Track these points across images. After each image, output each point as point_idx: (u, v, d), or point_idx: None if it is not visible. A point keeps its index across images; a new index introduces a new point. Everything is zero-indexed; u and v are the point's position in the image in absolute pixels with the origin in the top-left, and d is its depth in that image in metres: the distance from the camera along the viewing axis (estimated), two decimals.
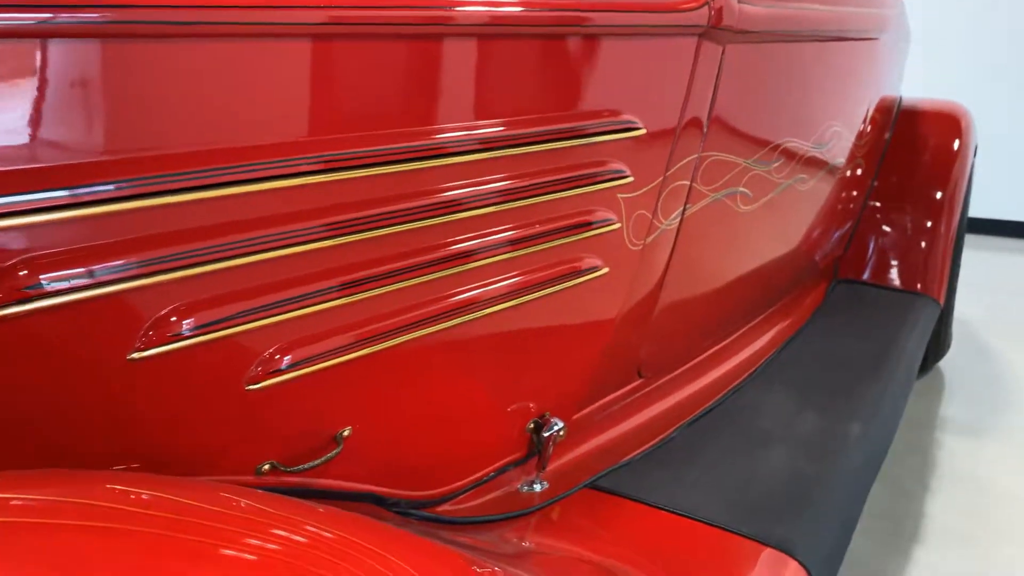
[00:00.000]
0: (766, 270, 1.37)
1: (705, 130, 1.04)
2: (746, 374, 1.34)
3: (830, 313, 1.71)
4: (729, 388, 1.29)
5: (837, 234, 1.81)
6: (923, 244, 1.92)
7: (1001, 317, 2.70)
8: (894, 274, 1.91)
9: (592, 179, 0.90)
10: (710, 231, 1.14)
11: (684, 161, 1.02)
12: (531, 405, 0.96)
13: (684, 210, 1.07)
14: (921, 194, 1.96)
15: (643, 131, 0.93)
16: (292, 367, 0.65)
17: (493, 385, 0.91)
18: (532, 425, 0.96)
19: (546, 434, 0.95)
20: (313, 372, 0.67)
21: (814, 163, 1.38)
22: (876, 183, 1.98)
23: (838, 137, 1.46)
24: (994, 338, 2.48)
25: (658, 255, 1.06)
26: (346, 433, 0.72)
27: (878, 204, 1.98)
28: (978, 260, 3.44)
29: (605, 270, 0.95)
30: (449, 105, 0.72)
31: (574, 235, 0.90)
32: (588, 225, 0.91)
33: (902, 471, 1.67)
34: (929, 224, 1.94)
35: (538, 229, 0.87)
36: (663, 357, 1.18)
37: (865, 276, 1.94)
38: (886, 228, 1.97)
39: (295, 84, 0.62)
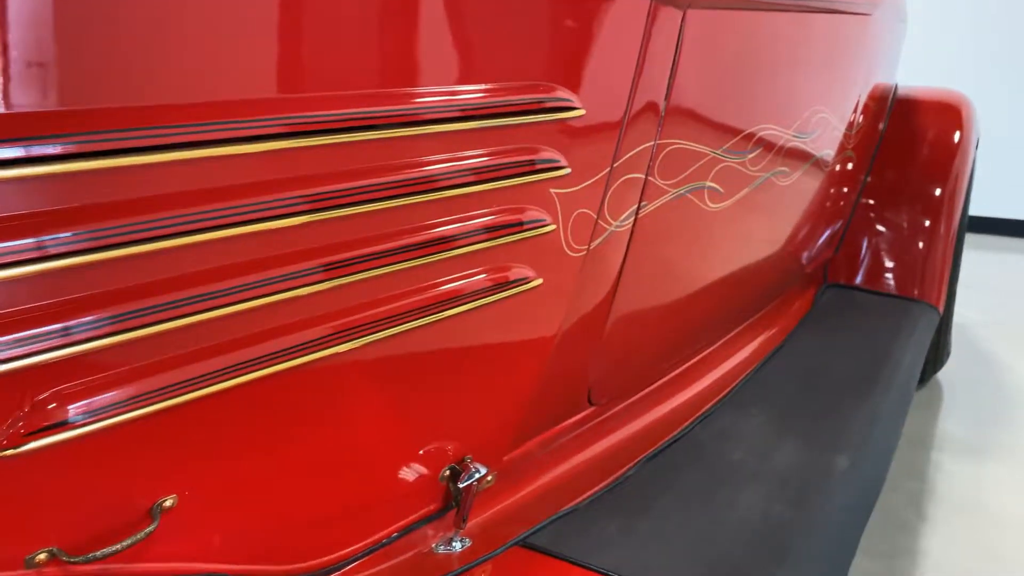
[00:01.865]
0: (742, 277, 1.20)
1: (662, 113, 0.87)
2: (718, 397, 1.17)
3: (818, 322, 1.54)
4: (697, 415, 1.12)
5: (826, 234, 1.64)
6: (921, 245, 1.75)
7: (1002, 321, 2.53)
8: (889, 278, 1.75)
9: (518, 170, 0.72)
10: (672, 233, 0.97)
11: (636, 150, 0.85)
12: (447, 448, 0.79)
13: (638, 209, 0.89)
14: (919, 190, 1.79)
15: (582, 112, 0.76)
16: (68, 424, 0.47)
17: (394, 425, 0.74)
18: (447, 472, 0.79)
19: (463, 484, 0.77)
20: (107, 427, 0.50)
21: (797, 154, 1.20)
22: (869, 178, 1.81)
23: (825, 125, 1.29)
24: (995, 344, 2.32)
25: (607, 262, 0.88)
26: (167, 503, 0.55)
27: (871, 201, 1.81)
28: (976, 260, 3.28)
29: (538, 281, 0.78)
30: (299, 68, 0.55)
31: (496, 239, 0.73)
32: (514, 227, 0.74)
33: (897, 499, 1.50)
34: (927, 223, 1.77)
35: (448, 231, 0.70)
36: (617, 381, 1.01)
37: (857, 280, 1.77)
38: (880, 228, 1.80)
39: None
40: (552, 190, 0.76)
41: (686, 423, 1.10)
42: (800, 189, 1.29)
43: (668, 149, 0.90)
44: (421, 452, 0.77)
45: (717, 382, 1.19)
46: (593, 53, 0.76)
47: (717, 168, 0.99)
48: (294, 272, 0.59)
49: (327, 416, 0.66)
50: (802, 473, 1.01)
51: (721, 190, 1.01)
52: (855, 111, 1.47)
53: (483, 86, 0.68)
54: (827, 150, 1.35)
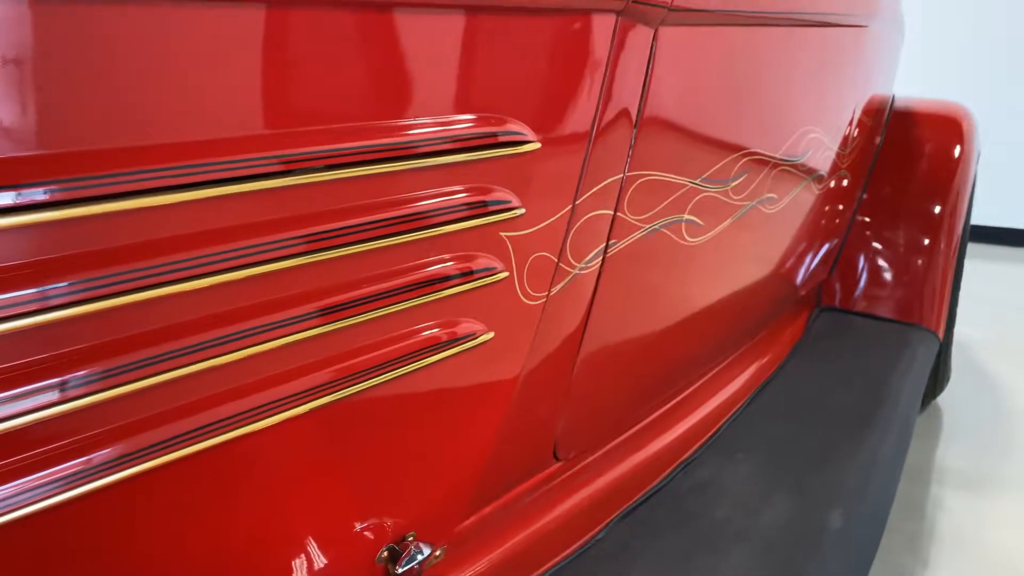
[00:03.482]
0: (726, 311, 1.11)
1: (632, 142, 0.78)
2: (700, 441, 1.08)
3: (810, 351, 1.45)
4: (677, 462, 1.03)
5: (819, 256, 1.55)
6: (919, 265, 1.66)
7: (1004, 338, 2.44)
8: (885, 301, 1.66)
9: (462, 214, 0.63)
10: (645, 272, 0.88)
11: (602, 184, 0.76)
12: (386, 524, 0.70)
13: (606, 248, 0.80)
14: (917, 208, 1.70)
15: (536, 145, 0.67)
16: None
17: (323, 500, 0.65)
18: (385, 554, 0.69)
19: (402, 569, 0.68)
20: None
21: (786, 179, 1.11)
22: (865, 195, 1.72)
23: (816, 146, 1.20)
24: (997, 363, 2.23)
25: (571, 307, 0.79)
26: None
27: (867, 219, 1.72)
28: (976, 272, 3.19)
29: (488, 336, 0.69)
30: (203, 108, 0.46)
31: (438, 291, 0.64)
32: (459, 277, 0.65)
33: (894, 541, 1.41)
34: (926, 242, 1.68)
35: (382, 287, 0.61)
36: (586, 432, 0.91)
37: (852, 303, 1.68)
38: (877, 246, 1.71)
39: None
40: (504, 234, 0.67)
41: (664, 473, 1.01)
42: (789, 215, 1.20)
43: (639, 181, 0.81)
44: (355, 530, 0.68)
45: (699, 424, 1.10)
46: (548, 79, 0.67)
47: (696, 199, 0.90)
48: (194, 345, 0.50)
49: (243, 491, 0.57)
50: (791, 534, 0.92)
51: (700, 223, 0.92)
52: (850, 127, 1.38)
53: (420, 120, 0.59)
54: (819, 171, 1.26)
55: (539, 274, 0.72)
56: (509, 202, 0.66)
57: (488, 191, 0.65)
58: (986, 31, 3.78)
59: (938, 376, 1.81)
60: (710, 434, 1.10)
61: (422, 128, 0.59)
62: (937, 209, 1.68)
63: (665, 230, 0.87)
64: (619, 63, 0.73)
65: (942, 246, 1.67)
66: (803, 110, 1.11)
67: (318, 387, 0.59)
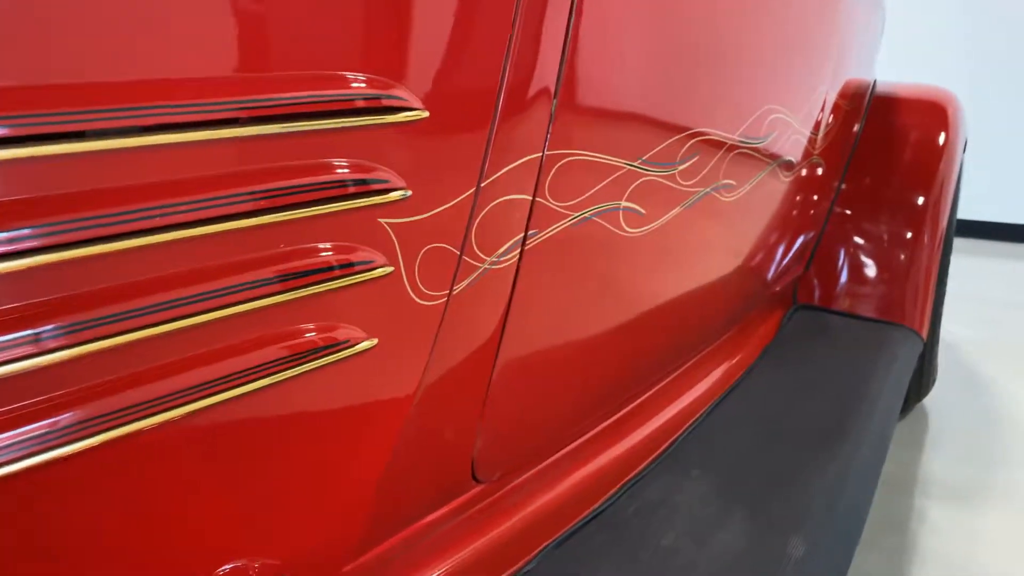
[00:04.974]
0: (679, 311, 1.00)
1: (552, 114, 0.67)
2: (650, 457, 0.97)
3: (782, 353, 1.34)
4: (623, 481, 0.92)
5: (792, 250, 1.44)
6: (901, 261, 1.56)
7: (994, 337, 2.34)
8: (866, 299, 1.55)
9: (325, 193, 0.52)
10: (575, 266, 0.77)
11: (515, 164, 0.65)
12: (252, 566, 0.58)
13: (525, 239, 0.69)
14: (899, 199, 1.60)
15: (423, 114, 0.56)
16: None
17: (178, 536, 0.53)
18: None
19: None
20: None
21: (746, 163, 1.00)
22: (844, 186, 1.61)
23: (782, 128, 1.08)
24: (986, 364, 2.12)
25: (483, 307, 0.68)
26: None
27: (847, 212, 1.61)
28: (965, 267, 3.09)
29: (371, 342, 0.58)
30: None
31: (296, 290, 0.53)
32: (325, 272, 0.54)
33: (874, 559, 1.30)
34: (909, 235, 1.58)
35: (223, 282, 0.50)
36: (511, 450, 0.80)
37: (830, 301, 1.57)
38: (857, 240, 1.61)
39: None
40: (384, 220, 0.56)
41: (608, 494, 0.90)
42: (753, 204, 1.09)
43: (563, 162, 0.70)
44: (214, 574, 0.57)
45: (651, 437, 0.99)
46: (434, 33, 0.56)
47: (635, 184, 0.79)
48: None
49: (79, 531, 0.46)
50: (747, 564, 0.81)
51: (642, 211, 0.81)
52: (822, 110, 1.27)
53: (288, 77, 0.48)
54: (786, 157, 1.15)
55: (436, 269, 0.61)
56: (387, 181, 0.55)
57: (359, 168, 0.54)
58: (979, 10, 3.68)
59: (923, 378, 1.71)
60: (663, 448, 0.99)
61: (269, 87, 0.48)
62: (920, 200, 1.58)
63: (598, 219, 0.76)
64: (530, 16, 0.62)
65: (926, 239, 1.56)
66: (765, 86, 1.00)
67: (149, 403, 0.48)
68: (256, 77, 0.47)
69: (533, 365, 0.77)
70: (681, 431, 1.03)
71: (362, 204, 0.54)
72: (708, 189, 0.91)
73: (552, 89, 0.66)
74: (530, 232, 0.69)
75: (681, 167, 0.85)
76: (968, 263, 3.27)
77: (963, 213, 3.53)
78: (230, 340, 0.51)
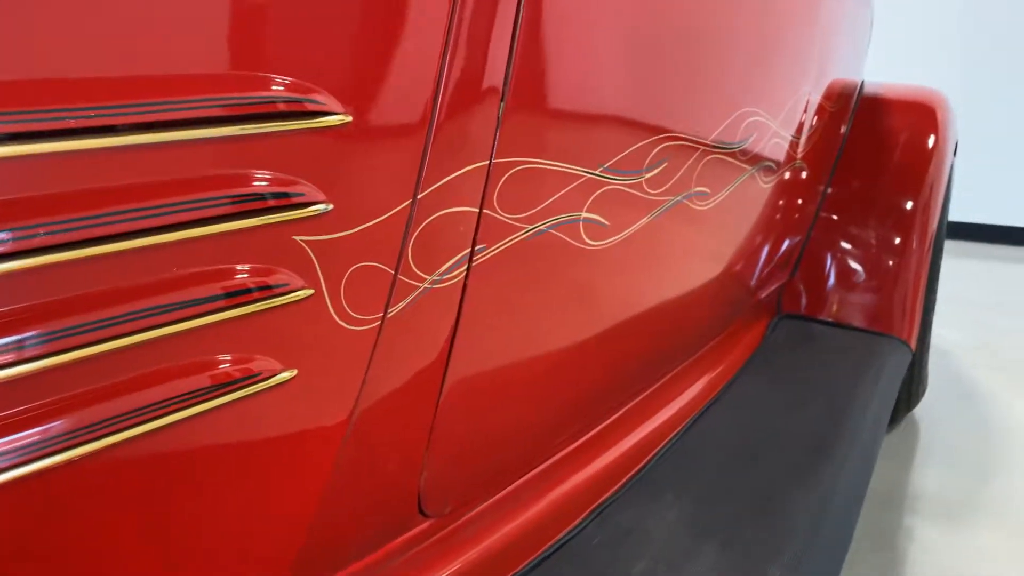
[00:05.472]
0: (649, 326, 0.94)
1: (500, 117, 0.61)
2: (621, 481, 0.92)
3: (765, 366, 1.29)
4: (590, 509, 0.86)
5: (775, 258, 1.39)
6: (890, 268, 1.50)
7: (986, 342, 2.29)
8: (853, 308, 1.50)
9: (232, 208, 0.46)
10: (531, 283, 0.71)
11: (458, 173, 0.59)
12: None
13: (472, 255, 0.63)
14: (888, 204, 1.54)
15: (345, 119, 0.50)
16: None
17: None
18: None
19: None
20: None
21: (721, 169, 0.95)
22: (830, 190, 1.56)
23: (761, 132, 1.03)
24: (978, 370, 2.07)
25: (425, 330, 0.62)
26: None
27: (834, 217, 1.56)
28: (956, 270, 3.04)
29: (289, 374, 0.52)
30: None
31: (198, 318, 0.47)
32: (227, 299, 0.48)
33: None
34: (898, 241, 1.52)
35: (116, 310, 0.44)
36: (462, 481, 0.75)
37: (817, 310, 1.52)
38: (844, 246, 1.55)
39: None
40: (300, 238, 0.50)
41: (574, 522, 0.84)
42: (730, 211, 1.03)
43: (514, 171, 0.64)
44: None
45: (622, 459, 0.93)
46: (358, 26, 0.50)
47: (597, 193, 0.73)
48: None
49: None
50: None
51: (606, 222, 0.75)
52: (804, 112, 1.21)
53: (193, 80, 0.42)
54: (766, 162, 1.09)
55: (366, 290, 0.55)
56: (302, 195, 0.49)
57: (268, 180, 0.48)
58: (973, 10, 3.64)
59: (912, 388, 1.66)
60: (635, 471, 0.93)
61: (151, 90, 0.42)
62: (910, 205, 1.52)
63: (556, 232, 0.70)
64: (471, 7, 0.56)
65: (915, 245, 1.51)
66: (741, 87, 0.94)
67: (40, 443, 0.42)
68: (138, 78, 0.41)
69: (486, 389, 0.71)
70: (655, 451, 0.97)
71: (273, 220, 0.48)
72: (679, 197, 0.86)
73: (499, 89, 0.60)
74: (477, 247, 0.64)
75: (648, 175, 0.79)
76: (958, 265, 3.22)
77: (953, 215, 3.48)
78: (126, 374, 0.45)
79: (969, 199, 3.51)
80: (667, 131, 0.79)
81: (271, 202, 0.48)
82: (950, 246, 3.23)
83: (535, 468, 0.83)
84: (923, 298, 1.50)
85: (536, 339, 0.74)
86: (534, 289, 0.71)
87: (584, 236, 0.73)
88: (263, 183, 0.48)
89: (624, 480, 0.92)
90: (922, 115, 1.58)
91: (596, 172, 0.72)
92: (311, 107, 0.48)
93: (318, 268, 0.52)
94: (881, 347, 1.39)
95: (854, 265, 1.52)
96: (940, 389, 1.91)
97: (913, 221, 1.52)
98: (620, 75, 0.72)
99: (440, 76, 0.55)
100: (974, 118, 3.32)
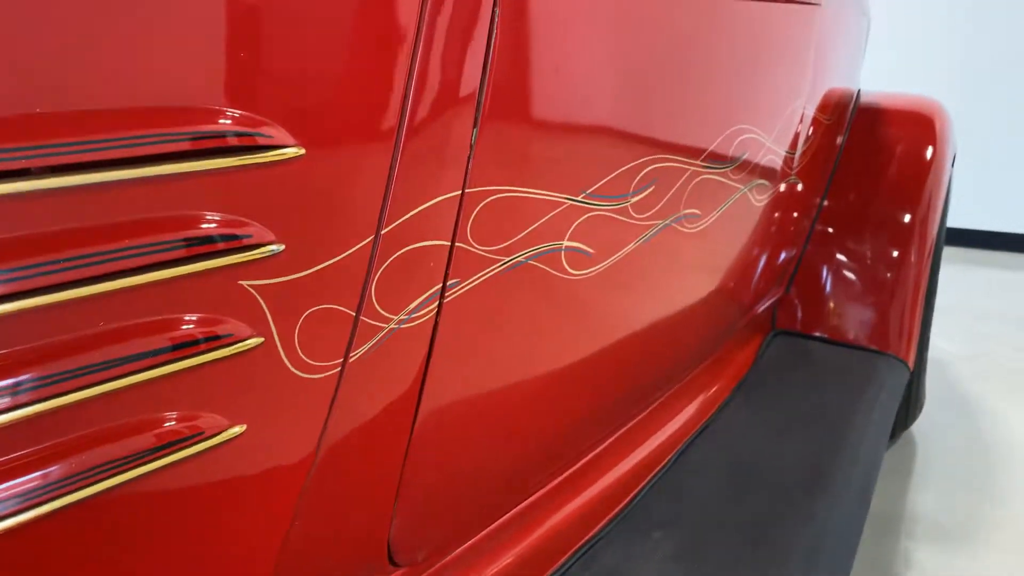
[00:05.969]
0: (639, 354, 0.90)
1: (472, 144, 0.57)
2: (608, 516, 0.87)
3: (756, 387, 1.25)
4: (574, 549, 0.82)
5: (772, 273, 1.35)
6: (887, 283, 1.46)
7: (985, 353, 2.25)
8: (849, 325, 1.45)
9: (168, 256, 0.42)
10: (509, 317, 0.66)
11: (426, 205, 0.55)
12: None
13: (443, 291, 0.59)
14: (885, 216, 1.50)
15: (297, 152, 0.45)
16: None
17: None
18: None
19: None
20: None
21: (712, 190, 0.90)
22: (826, 203, 1.52)
23: (755, 149, 0.99)
24: (976, 383, 2.03)
25: (391, 373, 0.58)
26: None
27: (829, 230, 1.52)
28: (953, 278, 3.01)
29: (238, 429, 0.48)
30: None
31: (133, 375, 0.42)
32: (166, 353, 0.43)
33: None
34: (895, 255, 1.48)
35: (40, 371, 0.39)
36: (435, 528, 0.70)
37: (812, 327, 1.48)
38: (841, 260, 1.51)
39: None
40: (247, 283, 0.46)
41: (557, 563, 0.80)
42: (721, 232, 0.99)
43: (489, 200, 0.60)
44: None
45: (606, 493, 0.89)
46: (314, 50, 0.45)
47: (579, 221, 0.69)
48: None
49: None
50: None
51: (589, 251, 0.71)
52: (800, 126, 1.17)
53: (101, 110, 0.38)
54: (760, 180, 1.05)
55: (324, 335, 0.51)
56: (249, 236, 0.45)
57: (209, 222, 0.43)
58: (975, 16, 3.61)
59: (909, 406, 1.62)
60: (621, 506, 0.89)
61: (100, 126, 0.38)
62: (907, 218, 1.48)
63: (536, 262, 0.66)
64: (440, 27, 0.51)
65: (913, 259, 1.47)
66: (734, 104, 0.90)
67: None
68: (70, 114, 0.37)
69: (461, 432, 0.66)
70: (641, 485, 0.93)
71: (216, 265, 0.44)
72: (668, 221, 0.81)
73: (472, 113, 0.56)
74: (450, 282, 0.59)
75: (634, 199, 0.74)
76: (956, 273, 3.19)
77: (952, 221, 3.45)
78: (59, 436, 0.41)
79: (966, 204, 3.48)
80: (654, 152, 0.75)
81: (218, 245, 0.43)
82: (946, 252, 3.19)
83: (515, 507, 0.79)
84: (921, 314, 1.46)
85: (514, 376, 0.69)
86: (513, 324, 0.67)
87: (566, 265, 0.69)
88: (208, 225, 0.43)
89: (609, 517, 0.88)
90: (920, 125, 1.55)
91: (578, 198, 0.67)
92: (261, 140, 0.44)
93: (268, 314, 0.47)
94: (878, 367, 1.35)
95: (850, 279, 1.48)
96: (938, 403, 1.88)
97: (911, 234, 1.48)
98: (603, 95, 0.68)
99: (405, 101, 0.51)
100: (971, 121, 3.29)
